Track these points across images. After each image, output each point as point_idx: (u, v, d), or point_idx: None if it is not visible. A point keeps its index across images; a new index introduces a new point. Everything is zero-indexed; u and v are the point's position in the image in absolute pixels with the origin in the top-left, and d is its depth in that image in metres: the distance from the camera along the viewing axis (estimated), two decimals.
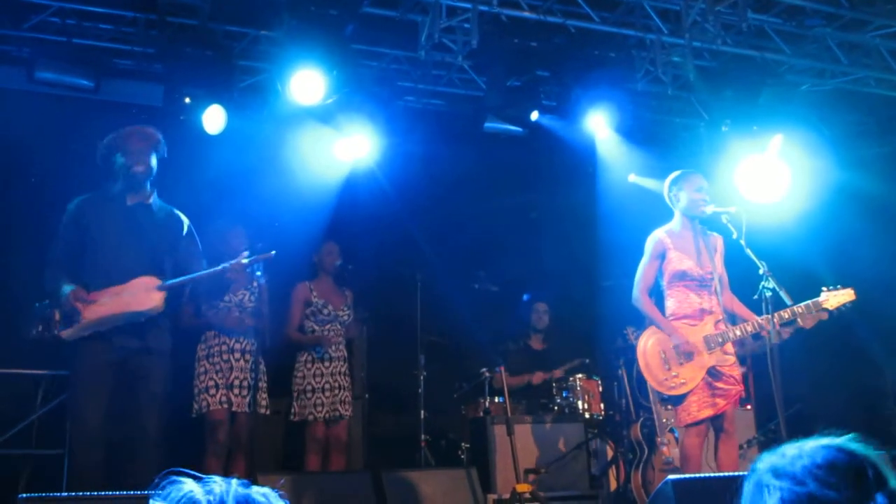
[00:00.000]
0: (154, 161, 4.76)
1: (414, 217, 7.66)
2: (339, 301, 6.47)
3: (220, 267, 4.77)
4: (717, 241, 5.41)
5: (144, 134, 4.76)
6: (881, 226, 8.17)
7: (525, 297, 7.99)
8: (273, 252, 5.01)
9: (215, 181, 6.55)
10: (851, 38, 7.51)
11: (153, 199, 4.80)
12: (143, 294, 4.51)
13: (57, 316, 4.43)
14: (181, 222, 4.88)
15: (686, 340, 5.12)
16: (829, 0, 6.93)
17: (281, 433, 6.76)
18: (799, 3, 6.96)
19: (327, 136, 7.32)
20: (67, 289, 4.44)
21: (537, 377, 7.51)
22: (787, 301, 4.89)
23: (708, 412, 5.09)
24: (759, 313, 5.06)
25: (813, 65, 7.76)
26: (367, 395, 7.14)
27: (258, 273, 5.93)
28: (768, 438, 6.91)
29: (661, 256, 5.33)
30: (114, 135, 4.77)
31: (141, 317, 4.51)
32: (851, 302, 5.20)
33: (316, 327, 6.35)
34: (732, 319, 5.27)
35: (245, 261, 4.81)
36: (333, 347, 6.31)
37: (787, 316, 5.05)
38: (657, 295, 5.40)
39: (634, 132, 7.73)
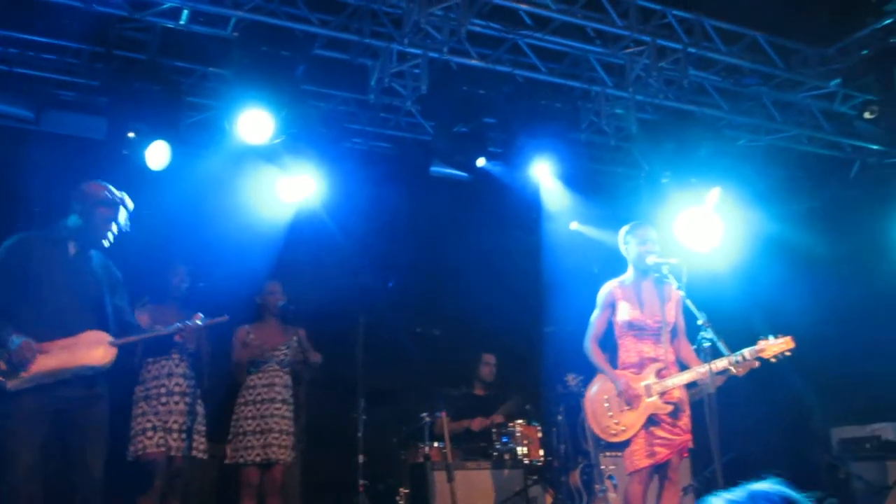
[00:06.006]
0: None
1: (358, 258, 7.63)
2: (276, 341, 6.36)
3: (173, 327, 4.76)
4: (673, 290, 5.36)
5: (129, 208, 4.72)
6: (810, 277, 8.44)
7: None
8: (226, 317, 5.05)
9: (157, 218, 6.43)
10: (785, 98, 7.84)
11: (91, 250, 4.71)
12: (95, 349, 4.42)
13: (2, 365, 4.27)
14: (117, 274, 4.82)
15: (629, 385, 5.18)
16: (766, 61, 7.23)
17: (215, 477, 6.60)
18: (737, 63, 7.24)
19: (273, 175, 7.28)
20: (17, 340, 4.28)
21: (477, 423, 7.50)
22: (725, 352, 4.96)
23: (647, 461, 5.13)
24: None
25: (749, 121, 8.07)
26: (304, 438, 7.02)
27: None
28: (704, 486, 7.00)
29: (611, 307, 5.41)
30: (91, 188, 4.67)
31: (90, 371, 4.40)
32: (791, 350, 5.11)
33: (252, 368, 6.25)
34: (685, 369, 5.31)
35: (200, 323, 4.81)
36: (266, 389, 6.18)
37: (722, 365, 5.07)
38: (614, 347, 5.46)
39: (577, 181, 7.88)
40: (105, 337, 4.45)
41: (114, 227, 4.68)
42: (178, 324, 4.73)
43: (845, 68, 7.23)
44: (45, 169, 5.00)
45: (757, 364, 6.01)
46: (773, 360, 5.13)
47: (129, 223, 4.77)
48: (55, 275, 4.48)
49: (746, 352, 5.15)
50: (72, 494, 4.32)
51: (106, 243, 4.68)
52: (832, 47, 7.22)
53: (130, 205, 4.78)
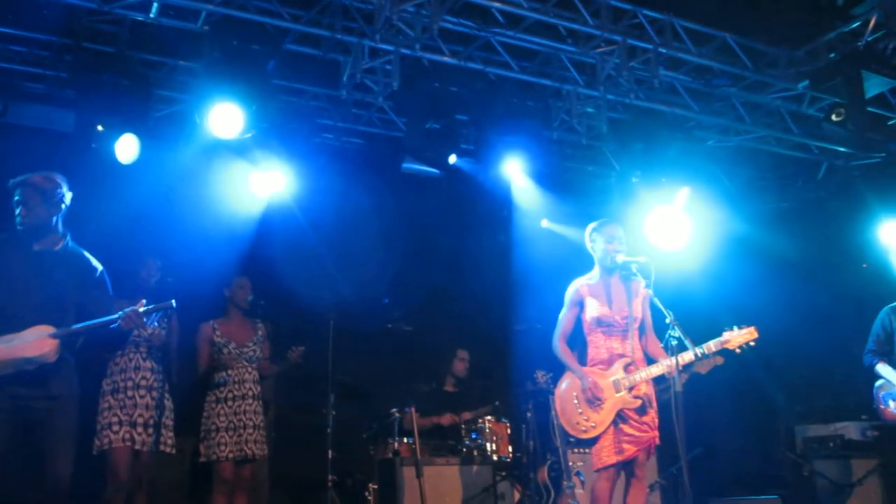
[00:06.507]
0: (43, 210, 4.45)
1: (329, 254, 7.63)
2: (244, 337, 6.32)
3: (113, 316, 4.49)
4: (640, 286, 5.43)
5: (33, 183, 4.44)
6: (777, 277, 8.55)
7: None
8: (172, 302, 4.78)
9: (127, 212, 6.39)
10: (755, 99, 7.93)
11: (63, 245, 4.57)
12: (35, 341, 4.29)
13: None
14: (92, 269, 4.64)
15: (594, 383, 5.21)
16: (735, 62, 7.30)
17: (187, 473, 6.56)
18: (707, 63, 7.30)
19: (244, 169, 7.26)
20: None
21: (446, 419, 7.52)
22: (692, 349, 5.02)
23: (614, 458, 5.17)
24: None
25: (718, 122, 8.16)
26: (273, 434, 7.01)
27: (155, 324, 5.79)
28: (670, 482, 7.07)
29: (579, 304, 5.44)
30: (14, 180, 4.54)
31: (29, 364, 4.27)
32: (755, 340, 5.19)
33: (221, 367, 6.20)
34: (652, 363, 5.36)
35: (142, 310, 4.54)
36: (237, 385, 6.15)
37: (689, 358, 5.09)
38: (582, 344, 5.48)
39: (548, 179, 7.93)
40: (47, 329, 4.33)
41: (35, 205, 4.41)
42: (121, 312, 4.57)
43: (813, 71, 7.29)
44: (12, 162, 4.88)
45: (720, 361, 6.10)
46: (737, 350, 5.21)
47: (59, 192, 4.48)
48: (13, 271, 4.38)
49: (712, 343, 5.21)
50: (35, 495, 4.23)
51: (25, 220, 4.40)
52: (800, 50, 7.30)
53: (52, 179, 4.48)
